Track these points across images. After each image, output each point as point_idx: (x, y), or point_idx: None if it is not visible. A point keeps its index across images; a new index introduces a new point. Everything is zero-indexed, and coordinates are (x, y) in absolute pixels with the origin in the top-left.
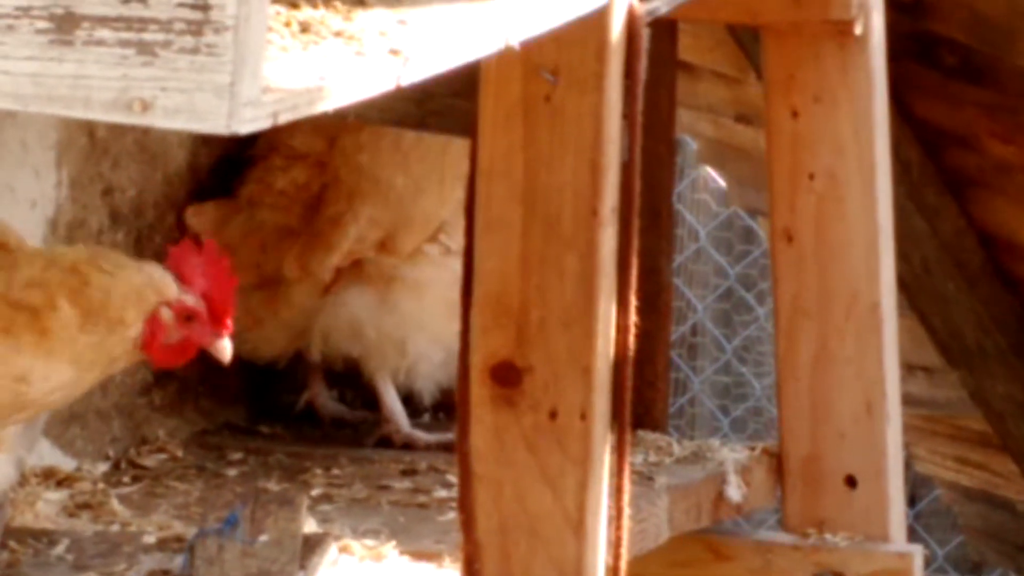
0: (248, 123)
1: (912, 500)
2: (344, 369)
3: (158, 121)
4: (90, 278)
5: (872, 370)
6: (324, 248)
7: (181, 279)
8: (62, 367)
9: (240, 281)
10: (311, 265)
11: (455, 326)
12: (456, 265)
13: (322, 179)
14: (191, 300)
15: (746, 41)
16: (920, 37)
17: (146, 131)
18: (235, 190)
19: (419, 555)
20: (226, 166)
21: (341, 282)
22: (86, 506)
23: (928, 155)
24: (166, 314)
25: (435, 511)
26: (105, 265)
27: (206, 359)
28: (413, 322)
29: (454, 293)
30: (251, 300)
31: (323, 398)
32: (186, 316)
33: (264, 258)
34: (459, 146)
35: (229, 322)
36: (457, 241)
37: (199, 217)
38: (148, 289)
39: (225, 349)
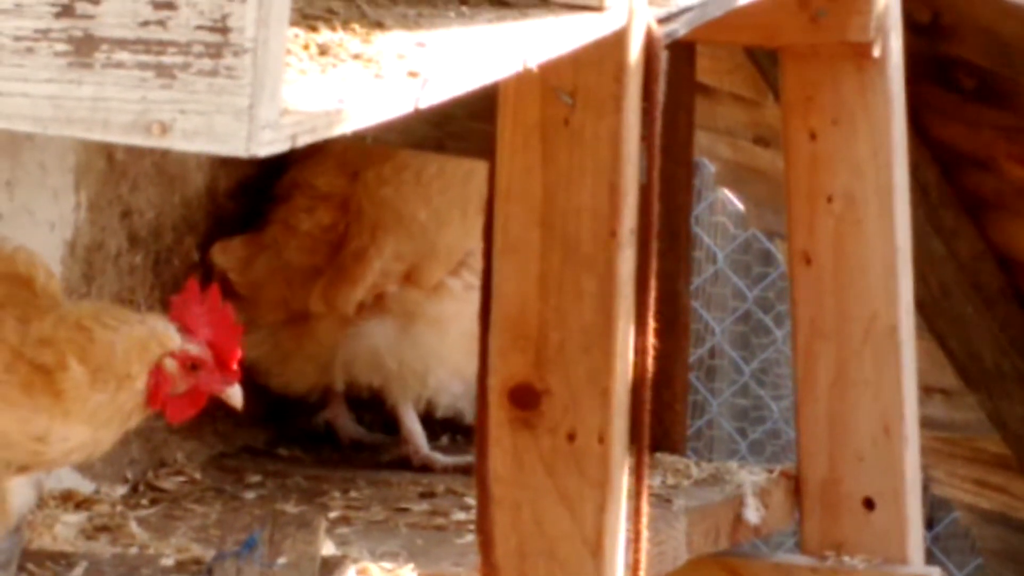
0: (267, 146)
1: (930, 522)
2: (368, 397)
3: (177, 144)
4: (95, 334)
5: (890, 392)
6: (349, 283)
7: (185, 329)
8: (79, 428)
9: (267, 317)
10: (336, 300)
11: (475, 359)
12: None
13: (346, 218)
14: (195, 349)
15: (764, 63)
16: (938, 59)
17: (164, 154)
18: (260, 226)
19: None
20: (245, 190)
21: (363, 314)
22: (104, 529)
23: (946, 177)
24: (170, 365)
25: (453, 533)
26: (108, 320)
27: None
28: (434, 356)
29: (475, 327)
30: (279, 336)
31: (342, 419)
32: (191, 365)
33: (291, 294)
34: (481, 177)
35: (236, 368)
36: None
37: (225, 255)
38: (151, 341)
39: (237, 396)
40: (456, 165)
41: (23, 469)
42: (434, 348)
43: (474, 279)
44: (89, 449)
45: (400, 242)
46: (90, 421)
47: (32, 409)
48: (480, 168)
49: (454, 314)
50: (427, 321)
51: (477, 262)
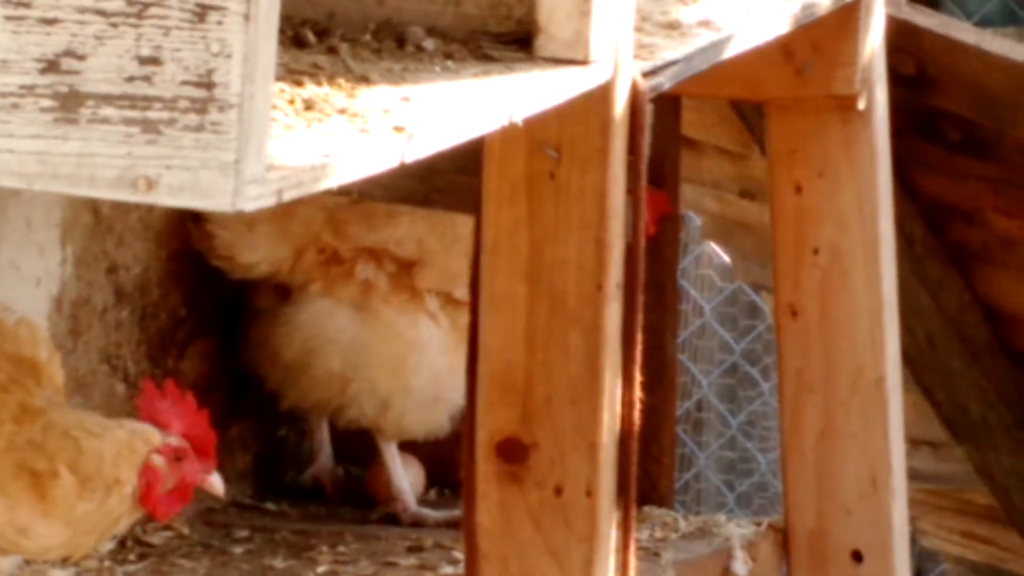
0: (253, 200)
1: (918, 575)
2: (344, 426)
3: (163, 199)
4: (82, 443)
5: (877, 445)
6: (368, 223)
7: (157, 425)
8: (59, 529)
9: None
10: (347, 231)
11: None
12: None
13: None
14: (175, 441)
15: (750, 116)
16: (923, 112)
17: (151, 209)
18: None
19: None
20: None
21: (343, 293)
22: None
23: (932, 230)
24: (158, 460)
25: None
26: (92, 427)
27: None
28: (382, 370)
29: (429, 373)
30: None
31: (329, 472)
32: (176, 457)
33: None
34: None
35: (215, 454)
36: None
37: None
38: (136, 441)
39: (217, 483)
40: None
41: (7, 554)
42: (386, 362)
43: (448, 322)
44: (67, 550)
45: (415, 225)
46: (71, 525)
47: (16, 499)
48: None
49: (416, 342)
50: (391, 333)
51: (458, 311)
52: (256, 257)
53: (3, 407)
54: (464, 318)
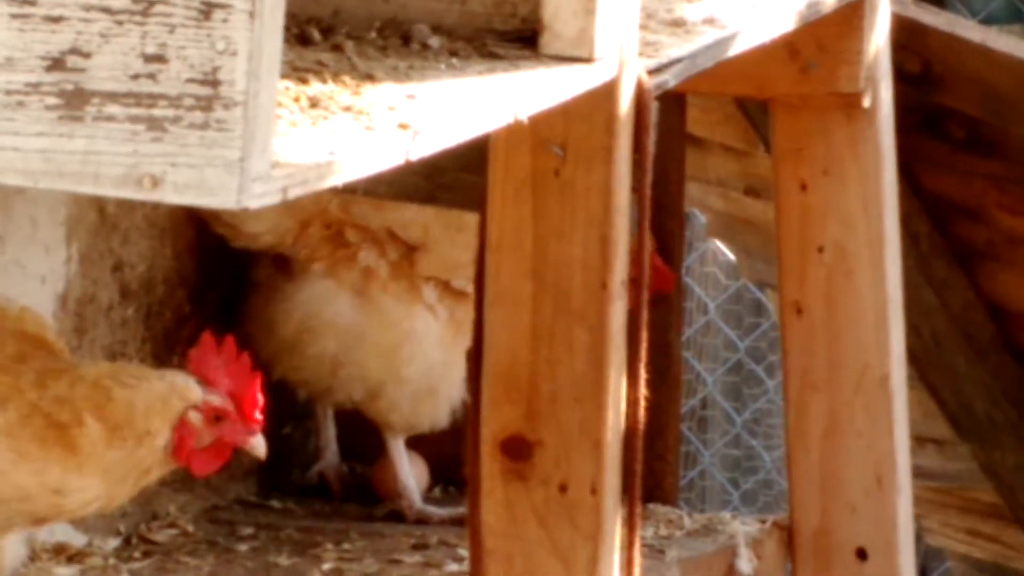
0: (258, 198)
1: (923, 573)
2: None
3: (168, 197)
4: (112, 392)
5: (882, 442)
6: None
7: (205, 381)
8: (93, 480)
9: None
10: (352, 209)
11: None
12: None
13: None
14: (218, 400)
15: (755, 114)
16: (929, 110)
17: (156, 207)
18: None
19: None
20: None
21: (345, 276)
22: None
23: (937, 228)
24: (195, 418)
25: None
26: (126, 378)
27: None
28: (372, 356)
29: (422, 366)
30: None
31: (334, 469)
32: (215, 417)
33: None
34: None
35: (259, 417)
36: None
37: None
38: (172, 396)
39: (260, 446)
40: None
41: (41, 521)
42: (379, 350)
43: (446, 315)
44: (104, 502)
45: (422, 210)
46: (105, 476)
47: (45, 461)
48: None
49: (411, 333)
50: (387, 321)
51: (457, 303)
52: (261, 227)
53: (21, 377)
54: (463, 311)
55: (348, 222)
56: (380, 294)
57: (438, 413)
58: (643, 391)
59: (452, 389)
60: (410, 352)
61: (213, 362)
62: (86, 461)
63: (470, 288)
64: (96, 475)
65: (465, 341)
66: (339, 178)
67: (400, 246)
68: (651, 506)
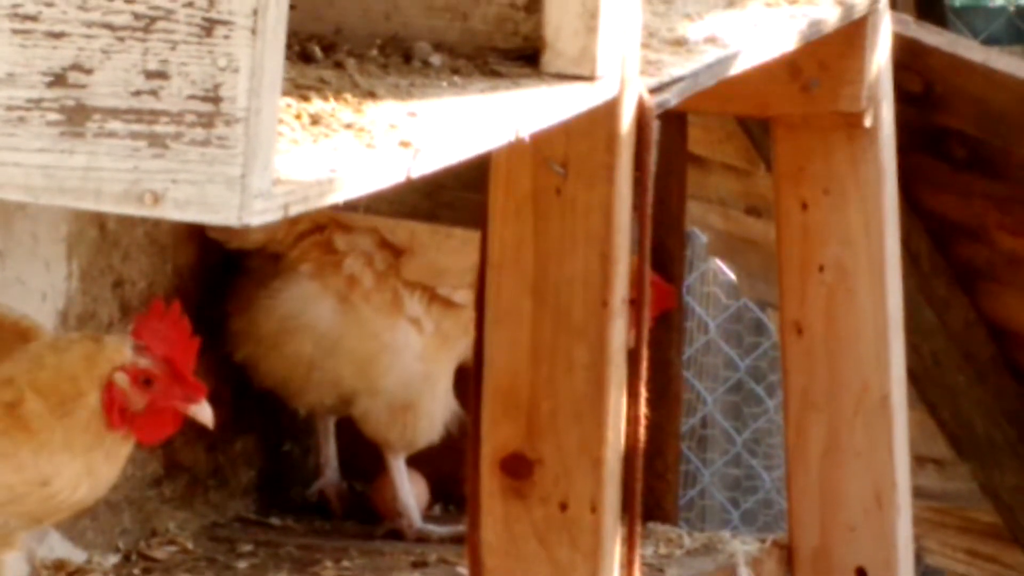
0: (259, 215)
1: None
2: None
3: (169, 213)
4: (44, 360)
5: (882, 462)
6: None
7: (143, 345)
8: (63, 458)
9: None
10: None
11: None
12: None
13: None
14: (145, 363)
15: (756, 133)
16: (930, 130)
17: (156, 223)
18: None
19: None
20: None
21: (332, 281)
22: None
23: (938, 247)
24: (121, 379)
25: None
26: (61, 344)
27: (216, 451)
28: (347, 365)
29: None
30: None
31: (334, 487)
32: (144, 379)
33: None
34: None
35: (199, 384)
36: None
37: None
38: (98, 356)
39: (204, 412)
40: None
41: (39, 520)
42: (353, 359)
43: (432, 327)
44: (91, 483)
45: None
46: (71, 450)
47: (17, 453)
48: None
49: (389, 345)
50: (365, 332)
51: (445, 314)
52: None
53: None
54: (450, 323)
55: (336, 221)
56: (362, 303)
57: (422, 427)
58: (643, 410)
59: (435, 404)
60: (388, 364)
61: (154, 327)
62: (45, 439)
63: (456, 297)
64: (63, 452)
65: (452, 355)
66: (340, 195)
67: (388, 255)
68: (651, 525)
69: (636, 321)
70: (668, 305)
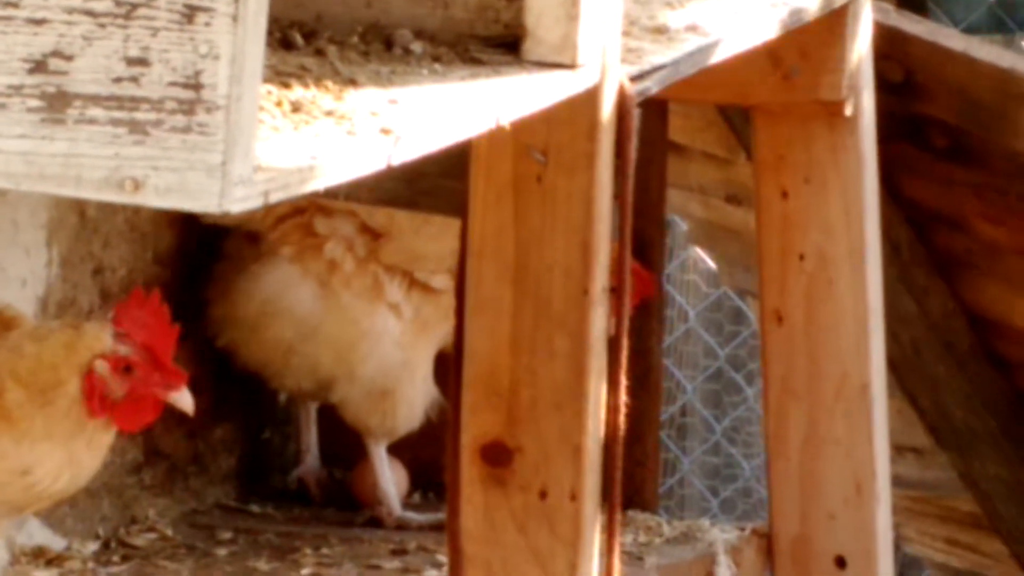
0: (240, 202)
1: None
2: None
3: (150, 200)
4: (23, 349)
5: (862, 451)
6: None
7: (123, 332)
8: (45, 446)
9: None
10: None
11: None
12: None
13: None
14: (125, 350)
15: (736, 122)
16: (910, 118)
17: (137, 210)
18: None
19: None
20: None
21: (312, 265)
22: None
23: (918, 236)
24: (101, 367)
25: None
26: (40, 333)
27: (195, 438)
28: (327, 352)
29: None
30: None
31: (314, 474)
32: (124, 367)
33: None
34: None
35: (179, 371)
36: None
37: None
38: (79, 343)
39: (185, 400)
40: None
41: (20, 509)
42: (332, 345)
43: (411, 313)
44: (73, 471)
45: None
46: (52, 439)
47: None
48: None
49: (368, 332)
50: (345, 318)
51: (425, 300)
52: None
53: None
54: (429, 309)
55: (316, 204)
56: (342, 288)
57: (402, 414)
58: (623, 398)
59: (413, 390)
60: (366, 351)
61: (134, 314)
62: (26, 428)
63: (434, 282)
64: (44, 441)
65: (431, 342)
66: (321, 183)
67: (368, 240)
68: (630, 513)
69: (616, 309)
70: (648, 293)
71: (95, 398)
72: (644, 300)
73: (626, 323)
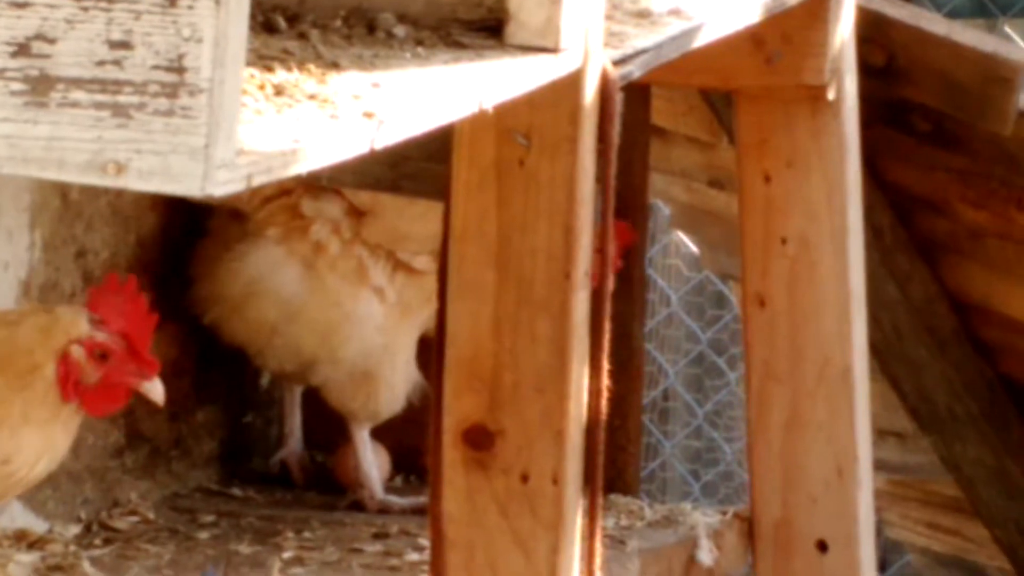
0: (222, 185)
1: (883, 565)
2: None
3: (132, 183)
4: None
5: (843, 435)
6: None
7: (100, 319)
8: (23, 432)
9: None
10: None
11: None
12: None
13: None
14: (102, 337)
15: (719, 106)
16: (893, 103)
17: (119, 194)
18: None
19: None
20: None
21: (299, 246)
22: (57, 568)
23: (900, 220)
24: (77, 352)
25: (407, 574)
26: (13, 316)
27: (178, 421)
28: (308, 335)
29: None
30: None
31: (297, 457)
32: (100, 354)
33: None
34: None
35: (153, 360)
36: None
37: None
38: (55, 328)
39: (156, 390)
40: None
41: (1, 496)
42: (315, 327)
43: (395, 296)
44: (51, 455)
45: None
46: (29, 423)
47: None
48: None
49: (351, 315)
50: (329, 300)
51: (408, 282)
52: None
53: None
54: (412, 292)
55: (303, 185)
56: (327, 271)
57: (384, 398)
58: (605, 382)
59: (396, 374)
60: (349, 333)
61: (111, 301)
62: (4, 414)
63: (417, 263)
64: (23, 426)
65: (414, 325)
66: (304, 166)
67: (354, 222)
68: (612, 497)
69: (599, 293)
70: (629, 240)
71: (69, 383)
72: (628, 248)
73: (608, 307)
